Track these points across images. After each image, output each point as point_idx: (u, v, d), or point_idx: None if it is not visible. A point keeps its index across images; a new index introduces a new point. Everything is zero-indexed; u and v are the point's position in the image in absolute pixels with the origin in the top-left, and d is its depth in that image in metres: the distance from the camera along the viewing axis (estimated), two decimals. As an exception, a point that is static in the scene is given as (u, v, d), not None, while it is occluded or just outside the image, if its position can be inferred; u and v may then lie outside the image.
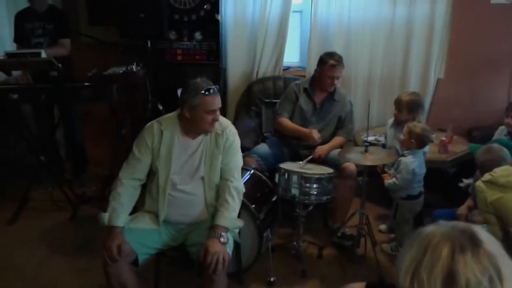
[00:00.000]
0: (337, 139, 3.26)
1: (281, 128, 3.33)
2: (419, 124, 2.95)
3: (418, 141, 2.86)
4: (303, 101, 3.27)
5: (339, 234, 3.06)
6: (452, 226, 0.90)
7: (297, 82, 3.38)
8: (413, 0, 3.91)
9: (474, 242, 0.85)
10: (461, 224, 0.90)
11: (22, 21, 3.60)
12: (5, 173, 3.93)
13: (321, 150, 3.12)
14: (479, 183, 2.33)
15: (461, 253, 0.84)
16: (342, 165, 3.01)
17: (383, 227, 3.40)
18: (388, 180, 2.93)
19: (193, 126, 2.23)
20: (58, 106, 3.70)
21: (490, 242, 0.87)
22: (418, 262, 0.86)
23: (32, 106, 3.71)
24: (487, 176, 2.30)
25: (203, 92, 2.14)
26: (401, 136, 2.92)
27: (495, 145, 2.55)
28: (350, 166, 3.02)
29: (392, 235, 3.21)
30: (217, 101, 2.20)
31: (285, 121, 3.28)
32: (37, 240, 3.15)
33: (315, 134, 3.09)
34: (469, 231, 0.88)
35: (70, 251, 3.01)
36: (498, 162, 2.41)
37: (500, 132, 3.42)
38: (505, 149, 2.50)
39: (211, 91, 2.16)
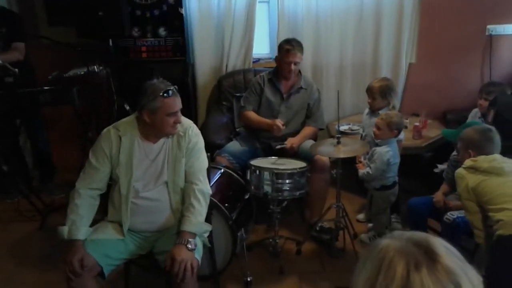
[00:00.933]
0: (307, 129, 3.21)
1: (246, 121, 3.28)
2: (392, 113, 2.91)
3: (399, 129, 2.84)
4: (269, 92, 3.20)
5: (317, 228, 3.01)
6: (407, 238, 0.83)
7: (261, 74, 3.30)
8: (381, -15, 3.83)
9: (430, 257, 0.78)
10: (416, 235, 0.83)
11: None
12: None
13: (292, 140, 3.07)
14: (459, 170, 2.26)
15: (416, 270, 0.77)
16: (314, 158, 2.95)
17: (361, 216, 3.37)
18: (362, 170, 2.88)
19: (154, 130, 2.13)
20: (17, 112, 3.54)
21: (448, 255, 0.79)
22: (372, 283, 0.79)
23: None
24: (468, 162, 2.23)
25: (161, 94, 2.04)
26: (376, 131, 2.85)
27: (493, 129, 2.39)
28: (322, 158, 2.96)
29: (370, 225, 3.18)
30: (177, 103, 2.11)
31: (250, 113, 3.22)
32: (4, 254, 3.02)
33: (278, 122, 3.04)
34: (425, 243, 0.81)
35: (39, 264, 2.89)
36: (495, 146, 2.27)
37: (474, 115, 3.39)
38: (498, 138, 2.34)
39: (170, 92, 2.07)
